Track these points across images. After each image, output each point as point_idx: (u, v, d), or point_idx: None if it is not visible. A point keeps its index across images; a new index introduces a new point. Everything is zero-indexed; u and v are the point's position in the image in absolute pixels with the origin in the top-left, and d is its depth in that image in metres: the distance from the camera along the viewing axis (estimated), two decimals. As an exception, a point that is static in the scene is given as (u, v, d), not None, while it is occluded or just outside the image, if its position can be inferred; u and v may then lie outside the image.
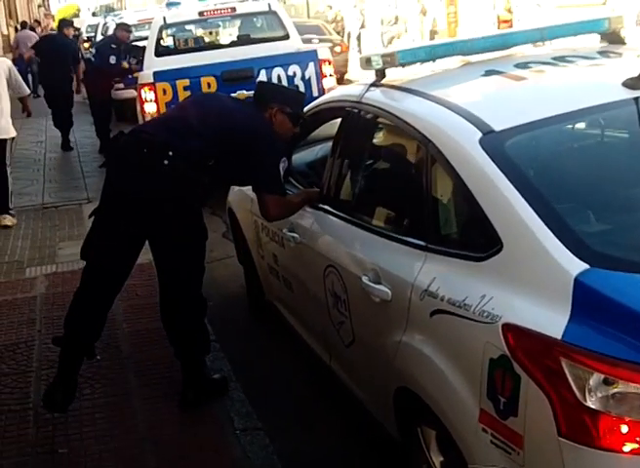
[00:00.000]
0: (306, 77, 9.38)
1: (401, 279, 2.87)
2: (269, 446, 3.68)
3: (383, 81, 3.53)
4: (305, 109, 4.27)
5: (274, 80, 8.57)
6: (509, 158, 2.64)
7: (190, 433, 3.81)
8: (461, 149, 2.76)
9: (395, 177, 3.40)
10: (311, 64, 9.42)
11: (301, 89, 9.46)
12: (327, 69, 9.77)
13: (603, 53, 3.42)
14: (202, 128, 3.78)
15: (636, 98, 2.80)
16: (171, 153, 3.65)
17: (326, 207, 3.71)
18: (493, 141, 2.70)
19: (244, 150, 3.78)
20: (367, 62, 3.53)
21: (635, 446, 2.02)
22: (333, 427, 3.90)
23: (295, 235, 3.93)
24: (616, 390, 2.03)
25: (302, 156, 4.78)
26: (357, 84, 3.89)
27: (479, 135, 2.73)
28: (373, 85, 3.56)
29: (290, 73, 8.73)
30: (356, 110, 3.59)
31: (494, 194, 2.55)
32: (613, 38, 3.67)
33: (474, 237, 2.64)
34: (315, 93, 9.55)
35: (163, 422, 3.93)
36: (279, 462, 3.55)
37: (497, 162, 2.61)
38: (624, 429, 2.02)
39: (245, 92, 7.82)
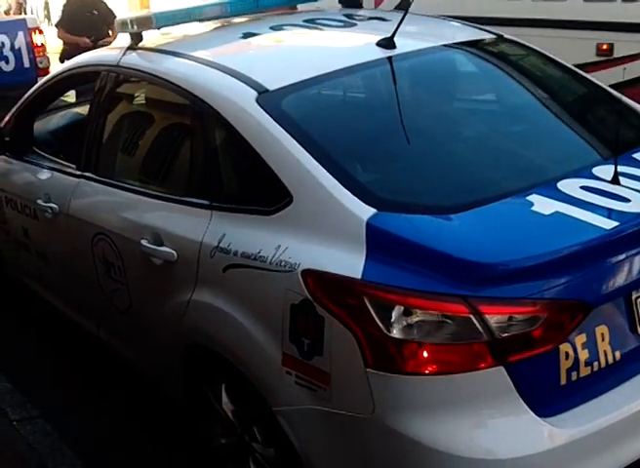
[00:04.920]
0: (16, 47, 8.98)
1: (187, 239, 2.90)
2: (52, 433, 3.54)
3: (141, 44, 3.50)
4: (50, 76, 4.11)
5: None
6: (288, 115, 2.76)
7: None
8: (240, 109, 2.82)
9: (169, 140, 3.39)
10: (21, 34, 9.01)
11: (11, 60, 9.02)
12: (38, 38, 9.38)
13: (348, 15, 3.64)
14: None
15: (390, 57, 3.04)
16: None
17: (88, 174, 3.60)
18: (269, 100, 2.80)
19: None
20: (122, 25, 3.47)
21: (435, 366, 2.24)
22: (113, 401, 3.84)
23: (52, 205, 3.78)
24: (415, 319, 2.23)
25: (44, 124, 4.58)
26: (111, 48, 3.82)
27: (255, 94, 2.81)
28: (130, 48, 3.50)
29: (-2, 43, 8.34)
30: (114, 74, 3.53)
31: (278, 149, 2.66)
32: (349, 2, 3.92)
33: (262, 192, 2.73)
34: (26, 64, 9.16)
35: None
36: (67, 447, 3.43)
37: (276, 119, 2.72)
38: (425, 353, 2.23)
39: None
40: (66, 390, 3.97)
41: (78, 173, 3.68)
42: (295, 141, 2.64)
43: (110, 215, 3.40)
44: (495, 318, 2.20)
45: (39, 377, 4.11)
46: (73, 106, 4.62)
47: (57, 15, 11.83)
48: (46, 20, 21.04)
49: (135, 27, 3.45)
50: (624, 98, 3.26)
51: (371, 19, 3.69)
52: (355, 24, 3.53)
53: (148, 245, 3.04)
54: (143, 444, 3.50)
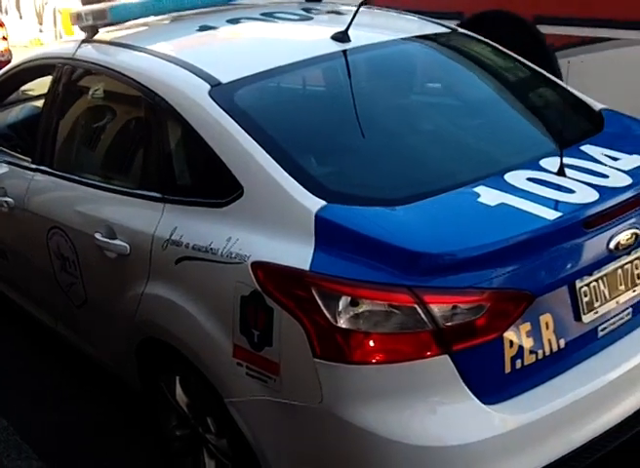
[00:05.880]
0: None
1: (139, 232, 2.90)
2: (8, 427, 3.52)
3: (96, 37, 3.49)
4: (7, 68, 4.10)
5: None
6: (240, 107, 2.77)
7: None
8: (192, 102, 2.83)
9: (122, 133, 3.38)
10: None
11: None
12: (-1, 32, 9.34)
13: (306, 9, 3.66)
14: None
15: (344, 51, 3.07)
16: None
17: (44, 168, 3.59)
18: (221, 93, 2.81)
19: None
20: (77, 18, 3.47)
21: (381, 356, 2.27)
22: (68, 393, 3.82)
23: (8, 200, 3.76)
24: (362, 309, 2.26)
25: (1, 118, 4.55)
26: (67, 41, 3.81)
27: (207, 87, 2.82)
28: (85, 41, 3.50)
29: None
30: (70, 67, 3.52)
31: (229, 142, 2.67)
32: None
33: (213, 184, 2.74)
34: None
35: None
36: (24, 442, 3.42)
37: (228, 112, 2.73)
38: (372, 343, 2.26)
39: None
40: (23, 383, 3.95)
41: (33, 166, 3.66)
42: (246, 134, 2.65)
43: (65, 209, 3.39)
44: (439, 307, 2.22)
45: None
46: (32, 100, 4.58)
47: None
48: (17, 13, 20.69)
49: (90, 20, 3.45)
50: (576, 92, 3.31)
51: (328, 12, 3.71)
52: (311, 18, 3.55)
53: (102, 238, 3.04)
54: (105, 440, 3.48)
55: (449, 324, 2.24)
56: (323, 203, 2.42)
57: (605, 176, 2.59)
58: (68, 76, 3.54)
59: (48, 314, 3.88)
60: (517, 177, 2.56)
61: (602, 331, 2.55)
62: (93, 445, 3.45)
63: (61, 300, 3.55)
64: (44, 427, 3.58)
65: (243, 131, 2.66)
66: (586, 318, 2.49)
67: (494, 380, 2.34)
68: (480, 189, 2.49)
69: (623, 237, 2.48)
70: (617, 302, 2.57)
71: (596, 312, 2.52)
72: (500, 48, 3.46)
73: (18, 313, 4.28)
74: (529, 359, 2.37)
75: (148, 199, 2.93)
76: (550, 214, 2.38)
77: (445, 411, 2.29)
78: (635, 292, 2.63)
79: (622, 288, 2.59)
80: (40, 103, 4.38)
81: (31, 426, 3.58)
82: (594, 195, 2.47)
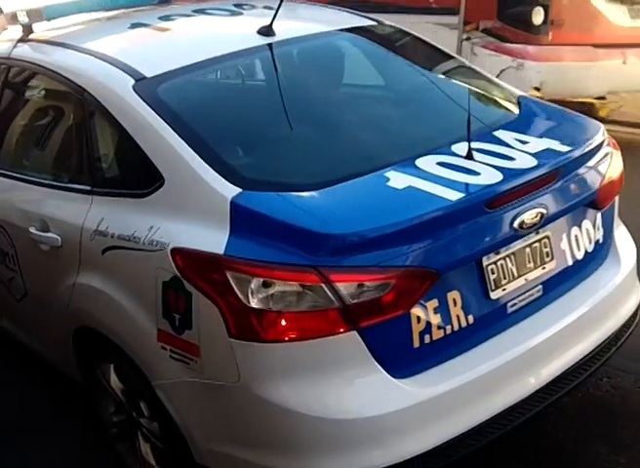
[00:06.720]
0: None
1: (70, 224, 2.98)
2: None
3: (32, 36, 3.56)
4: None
5: None
6: (162, 100, 2.86)
7: None
8: (116, 96, 2.92)
9: (55, 129, 3.45)
10: None
11: None
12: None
13: (238, 5, 3.75)
14: None
15: (270, 44, 3.16)
16: None
17: (-18, 165, 3.66)
18: (145, 87, 2.89)
19: None
20: (12, 18, 3.53)
21: (293, 334, 2.36)
22: (18, 391, 3.90)
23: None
24: (273, 290, 2.35)
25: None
26: (2, 41, 3.86)
27: (132, 81, 2.91)
28: (20, 40, 3.57)
29: None
30: (5, 66, 3.59)
31: (151, 134, 2.75)
32: None
33: (137, 176, 2.82)
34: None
35: None
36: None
37: (151, 105, 2.81)
38: (283, 321, 2.35)
39: None
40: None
41: None
42: (167, 126, 2.73)
43: (2, 205, 3.46)
44: (345, 286, 2.32)
45: None
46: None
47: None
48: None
49: (25, 19, 3.52)
50: (497, 80, 3.42)
51: (259, 7, 3.80)
52: (241, 13, 3.63)
53: (36, 232, 3.12)
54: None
55: (355, 301, 2.33)
56: (239, 190, 2.51)
57: (511, 159, 2.69)
58: (5, 75, 3.60)
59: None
60: (428, 162, 2.66)
61: (511, 307, 2.66)
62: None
63: (4, 296, 3.62)
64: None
65: (164, 123, 2.74)
66: (494, 295, 2.60)
67: (403, 355, 2.44)
68: (390, 174, 2.59)
69: (528, 216, 2.59)
70: (525, 280, 2.69)
71: (504, 289, 2.62)
72: (423, 38, 3.56)
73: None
74: (437, 334, 2.47)
75: (78, 192, 3.02)
76: (453, 195, 2.47)
77: (356, 386, 2.40)
78: (544, 270, 2.74)
79: (531, 265, 2.70)
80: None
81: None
82: (498, 176, 2.57)
